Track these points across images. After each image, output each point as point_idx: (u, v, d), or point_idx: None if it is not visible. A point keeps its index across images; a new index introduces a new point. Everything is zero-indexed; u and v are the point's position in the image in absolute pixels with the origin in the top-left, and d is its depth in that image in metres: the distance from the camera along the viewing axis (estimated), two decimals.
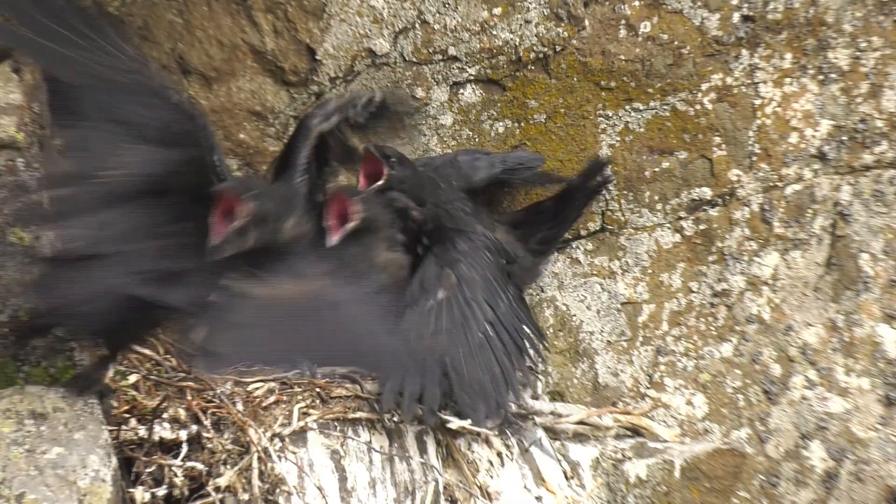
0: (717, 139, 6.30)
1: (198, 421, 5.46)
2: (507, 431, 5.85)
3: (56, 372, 5.10)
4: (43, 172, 4.94)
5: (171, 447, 5.42)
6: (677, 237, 6.34)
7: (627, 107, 6.27)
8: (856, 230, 6.34)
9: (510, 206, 6.38)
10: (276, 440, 5.43)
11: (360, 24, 6.16)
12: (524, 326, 5.90)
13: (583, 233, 6.34)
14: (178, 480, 5.34)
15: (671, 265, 6.34)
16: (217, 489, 5.32)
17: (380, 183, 5.95)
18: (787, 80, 6.31)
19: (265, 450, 5.39)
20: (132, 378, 5.63)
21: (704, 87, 6.27)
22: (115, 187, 4.70)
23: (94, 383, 4.98)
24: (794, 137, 6.32)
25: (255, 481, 5.35)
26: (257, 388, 5.61)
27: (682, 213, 6.33)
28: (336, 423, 5.58)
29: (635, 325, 6.33)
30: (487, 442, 5.81)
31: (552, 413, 6.02)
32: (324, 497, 5.41)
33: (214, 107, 6.15)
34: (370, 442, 5.57)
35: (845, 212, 6.33)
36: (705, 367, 6.32)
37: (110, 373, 5.55)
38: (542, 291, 6.33)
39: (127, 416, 5.46)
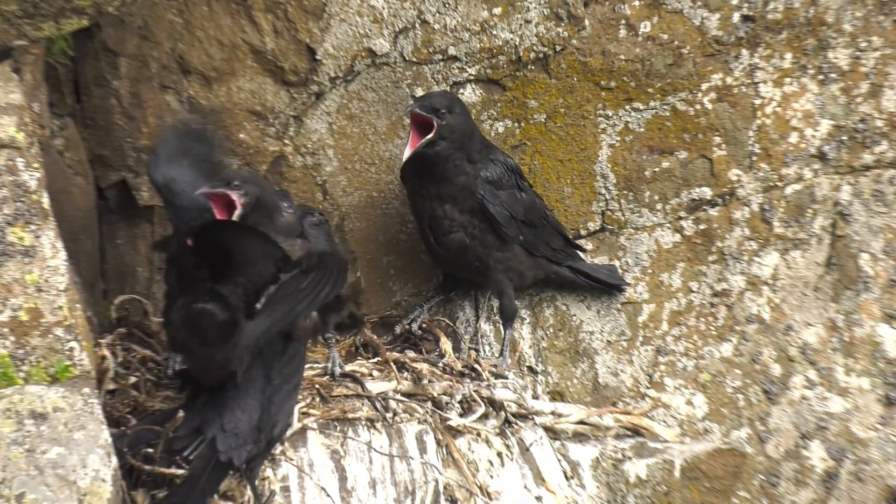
0: (717, 139, 6.29)
1: None
2: (507, 431, 5.86)
3: (56, 372, 5.10)
4: None
5: None
6: (677, 237, 6.34)
7: (627, 107, 6.27)
8: (856, 230, 6.34)
9: None
10: (276, 442, 5.42)
11: (360, 23, 6.16)
12: None
13: (583, 232, 6.34)
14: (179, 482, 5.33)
15: (671, 265, 6.33)
16: (217, 493, 5.31)
17: (430, 137, 5.92)
18: (787, 79, 6.31)
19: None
20: (132, 378, 5.63)
21: (704, 86, 6.27)
22: None
23: None
24: (794, 137, 6.32)
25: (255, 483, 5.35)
26: None
27: (682, 213, 6.33)
28: (336, 423, 5.57)
29: (635, 324, 6.32)
30: (487, 442, 5.81)
31: (552, 413, 6.02)
32: (324, 497, 5.40)
33: (214, 107, 6.15)
34: (370, 442, 5.56)
35: (845, 212, 6.33)
36: (705, 366, 6.32)
37: (111, 373, 5.57)
38: (542, 291, 6.33)
39: (127, 416, 5.46)
